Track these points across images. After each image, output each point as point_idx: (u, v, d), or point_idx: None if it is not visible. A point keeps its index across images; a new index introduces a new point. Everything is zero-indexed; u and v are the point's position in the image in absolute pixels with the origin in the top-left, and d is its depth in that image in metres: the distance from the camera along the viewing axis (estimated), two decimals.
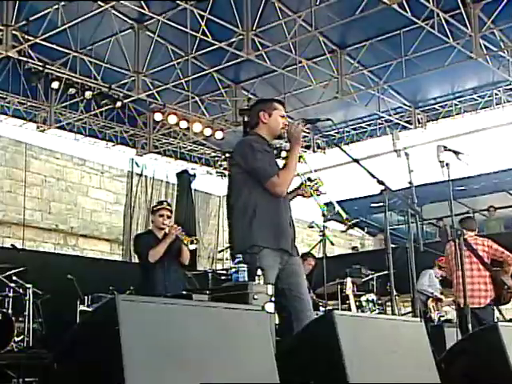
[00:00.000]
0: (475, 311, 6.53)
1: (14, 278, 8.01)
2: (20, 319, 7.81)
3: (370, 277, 8.96)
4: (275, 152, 4.69)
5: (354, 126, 15.18)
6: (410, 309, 7.81)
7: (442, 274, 8.97)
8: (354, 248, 17.18)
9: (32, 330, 7.85)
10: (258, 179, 4.37)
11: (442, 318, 8.94)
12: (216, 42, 10.77)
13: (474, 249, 7.22)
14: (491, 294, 7.17)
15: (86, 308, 8.06)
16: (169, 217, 6.71)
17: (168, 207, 6.85)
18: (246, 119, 12.86)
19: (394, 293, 4.77)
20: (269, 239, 4.34)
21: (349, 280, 8.19)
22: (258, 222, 4.35)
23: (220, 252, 13.73)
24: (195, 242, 6.58)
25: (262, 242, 4.31)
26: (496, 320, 7.45)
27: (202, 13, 10.41)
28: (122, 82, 12.03)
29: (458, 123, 14.35)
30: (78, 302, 8.17)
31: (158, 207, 6.79)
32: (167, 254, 6.47)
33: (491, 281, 7.17)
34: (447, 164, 5.64)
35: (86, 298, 8.22)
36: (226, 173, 14.61)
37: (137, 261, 6.76)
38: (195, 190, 15.20)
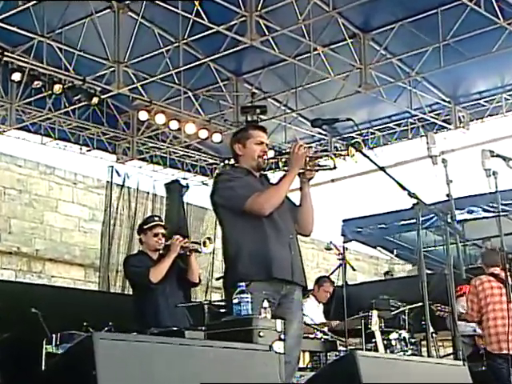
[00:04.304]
0: None
1: None
2: None
3: (401, 310, 8.94)
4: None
5: (381, 127, 15.19)
6: (450, 349, 7.78)
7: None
8: (386, 273, 17.06)
9: None
10: (237, 207, 4.70)
11: None
12: (213, 26, 10.80)
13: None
14: None
15: (54, 349, 8.04)
16: (164, 235, 6.73)
17: (161, 223, 6.87)
18: (249, 119, 12.94)
19: (431, 329, 4.77)
20: (257, 271, 4.61)
21: (375, 313, 8.17)
22: (242, 256, 4.67)
23: (218, 279, 13.70)
24: (208, 242, 6.55)
25: (249, 276, 4.55)
26: None
27: None
28: (99, 74, 12.06)
29: (508, 123, 14.37)
30: (44, 342, 8.14)
31: (150, 224, 6.78)
32: (168, 276, 6.49)
33: None
34: (494, 172, 5.64)
35: (53, 336, 8.18)
36: None
37: (118, 290, 6.77)
38: (188, 203, 15.20)
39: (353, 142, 15.06)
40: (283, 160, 4.86)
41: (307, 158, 4.74)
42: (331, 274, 9.57)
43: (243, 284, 4.27)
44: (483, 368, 8.32)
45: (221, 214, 4.87)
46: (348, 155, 4.69)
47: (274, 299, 4.56)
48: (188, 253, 6.61)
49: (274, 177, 5.19)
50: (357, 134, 15.13)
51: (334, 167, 4.77)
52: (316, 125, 5.07)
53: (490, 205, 12.93)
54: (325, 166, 4.80)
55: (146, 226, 6.81)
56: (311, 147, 15.43)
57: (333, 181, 16.24)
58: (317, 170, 4.80)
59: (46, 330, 8.15)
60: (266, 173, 5.06)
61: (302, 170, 4.78)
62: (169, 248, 6.59)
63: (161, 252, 6.69)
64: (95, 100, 12.29)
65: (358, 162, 4.79)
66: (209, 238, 6.62)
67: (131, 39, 11.73)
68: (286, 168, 4.82)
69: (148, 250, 6.74)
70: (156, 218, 7.00)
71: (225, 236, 4.87)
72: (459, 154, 14.46)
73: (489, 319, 7.45)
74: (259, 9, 10.74)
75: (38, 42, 11.43)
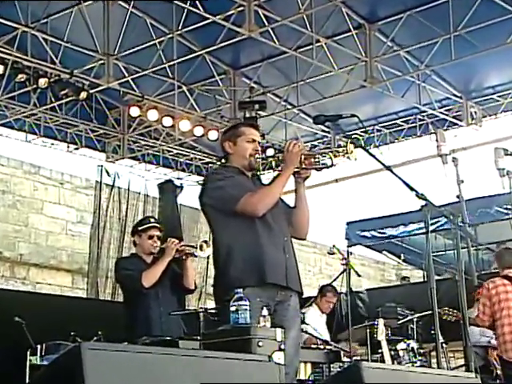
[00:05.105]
0: None
1: None
2: None
3: (409, 318, 8.96)
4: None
5: (387, 124, 15.18)
6: (462, 361, 7.79)
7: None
8: (403, 279, 17.00)
9: None
10: (228, 208, 4.72)
11: None
12: (209, 16, 10.81)
13: None
14: None
15: (38, 361, 8.02)
16: (159, 237, 6.76)
17: (157, 225, 6.90)
18: (247, 115, 12.94)
19: (441, 339, 4.78)
20: (250, 276, 4.62)
21: (381, 322, 8.19)
22: (234, 259, 4.68)
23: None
24: (205, 246, 6.56)
25: (242, 281, 4.55)
26: None
27: None
28: (88, 67, 12.05)
29: None
30: (29, 353, 8.13)
31: (145, 226, 6.84)
32: (161, 281, 6.52)
33: None
34: (508, 172, 5.66)
35: (38, 347, 8.17)
36: None
37: (108, 298, 6.79)
38: (182, 204, 15.21)
39: (352, 138, 15.12)
40: (277, 159, 4.88)
41: (302, 157, 4.76)
42: (334, 280, 9.58)
43: (240, 290, 4.28)
44: (496, 381, 8.35)
45: (210, 215, 4.88)
46: (347, 152, 4.69)
47: (268, 306, 4.56)
48: (184, 257, 6.65)
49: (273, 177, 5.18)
50: (362, 132, 15.13)
51: (332, 165, 4.77)
52: (318, 121, 5.08)
53: (504, 206, 12.94)
54: (322, 164, 4.80)
55: (140, 228, 6.86)
56: (315, 145, 15.44)
57: (336, 181, 16.24)
58: (316, 169, 4.81)
59: (30, 340, 8.14)
60: (259, 173, 5.07)
61: (297, 169, 4.80)
62: (163, 251, 6.62)
63: (155, 256, 6.72)
64: (83, 95, 12.27)
65: (357, 159, 4.81)
66: (205, 242, 6.63)
67: (122, 30, 11.72)
68: (280, 168, 4.85)
69: (142, 252, 6.78)
70: (152, 220, 7.05)
71: (215, 239, 4.89)
72: (471, 152, 14.48)
73: (504, 325, 7.43)
74: None
75: (22, 32, 11.38)
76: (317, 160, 4.78)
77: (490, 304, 7.55)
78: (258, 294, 4.54)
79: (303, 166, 4.78)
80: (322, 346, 7.86)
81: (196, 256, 6.66)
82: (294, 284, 4.77)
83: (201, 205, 4.93)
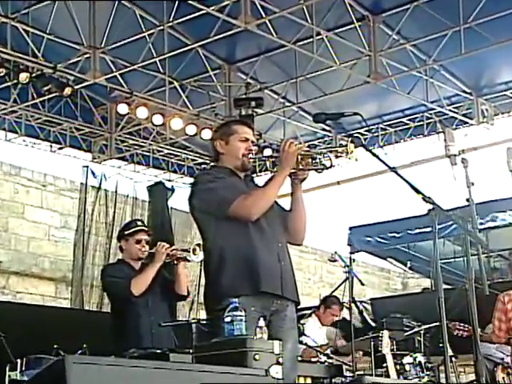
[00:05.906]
0: None
1: None
2: None
3: (416, 330, 8.96)
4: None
5: (392, 122, 15.20)
6: (473, 376, 7.80)
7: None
8: (425, 290, 16.93)
9: None
10: (220, 212, 4.73)
11: None
12: (202, 7, 10.81)
13: None
14: None
15: (18, 376, 8.00)
16: (147, 242, 6.77)
17: (145, 228, 6.91)
18: (243, 112, 12.94)
19: (450, 353, 4.78)
20: (243, 284, 4.63)
21: (386, 334, 8.19)
22: (226, 266, 4.68)
23: None
24: (198, 249, 6.54)
25: (235, 289, 4.56)
26: None
27: None
28: (73, 61, 12.05)
29: None
30: (8, 368, 8.11)
31: (132, 230, 6.85)
32: (151, 288, 6.53)
33: None
34: None
35: (19, 361, 8.15)
36: None
37: (94, 308, 6.79)
38: (173, 208, 15.22)
39: (353, 137, 15.12)
40: (272, 160, 4.89)
41: (299, 157, 4.76)
42: (336, 289, 9.58)
43: (236, 300, 4.28)
44: None
45: (200, 219, 4.89)
46: (347, 152, 4.69)
47: (266, 309, 4.57)
48: (175, 261, 6.65)
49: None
50: (365, 131, 15.18)
51: (331, 166, 4.77)
52: (319, 120, 5.09)
53: None
54: (320, 165, 4.80)
55: (127, 232, 6.87)
56: (315, 145, 15.44)
57: (338, 183, 16.25)
58: (314, 170, 4.81)
59: (9, 354, 8.12)
60: (254, 174, 5.09)
61: (293, 170, 4.81)
62: (153, 256, 6.62)
63: (143, 261, 6.73)
64: (68, 91, 12.25)
65: (357, 160, 4.85)
66: (199, 245, 6.62)
67: (109, 22, 11.71)
68: (275, 169, 4.86)
69: (129, 258, 6.79)
70: (139, 223, 7.06)
71: (205, 245, 4.90)
72: (482, 152, 14.50)
73: None
74: None
75: (1, 23, 11.39)
76: (315, 160, 4.79)
77: (505, 319, 7.54)
78: (252, 304, 4.54)
79: (300, 167, 4.79)
80: (322, 360, 7.86)
81: (189, 260, 6.66)
82: (289, 293, 4.77)
83: (190, 208, 4.93)
